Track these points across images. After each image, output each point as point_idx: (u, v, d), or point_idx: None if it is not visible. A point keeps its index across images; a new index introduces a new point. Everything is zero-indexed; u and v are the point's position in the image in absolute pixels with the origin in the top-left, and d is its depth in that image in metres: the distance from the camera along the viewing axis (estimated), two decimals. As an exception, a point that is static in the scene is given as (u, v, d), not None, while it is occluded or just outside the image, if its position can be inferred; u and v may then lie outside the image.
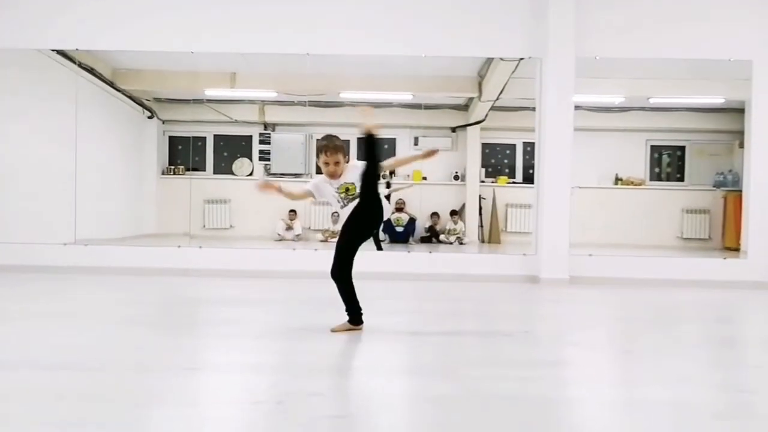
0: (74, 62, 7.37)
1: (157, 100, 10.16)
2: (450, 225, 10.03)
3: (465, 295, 5.87)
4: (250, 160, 10.40)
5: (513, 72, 7.89)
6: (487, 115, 9.91)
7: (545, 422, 2.39)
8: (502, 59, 7.51)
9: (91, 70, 8.01)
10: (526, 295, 5.99)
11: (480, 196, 10.25)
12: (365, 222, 3.86)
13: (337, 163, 3.80)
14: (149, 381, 2.82)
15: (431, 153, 4.11)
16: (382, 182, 4.11)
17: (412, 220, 9.77)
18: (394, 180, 9.96)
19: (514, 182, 10.50)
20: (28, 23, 6.87)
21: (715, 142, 10.00)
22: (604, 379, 3.14)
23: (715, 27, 6.82)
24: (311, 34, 6.89)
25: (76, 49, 7.14)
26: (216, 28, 6.90)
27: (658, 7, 6.85)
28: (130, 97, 9.50)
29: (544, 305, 5.56)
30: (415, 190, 9.83)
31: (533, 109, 7.07)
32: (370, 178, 3.76)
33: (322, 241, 9.56)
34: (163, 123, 10.23)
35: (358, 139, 3.78)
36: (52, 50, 7.16)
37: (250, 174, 10.32)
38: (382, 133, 10.40)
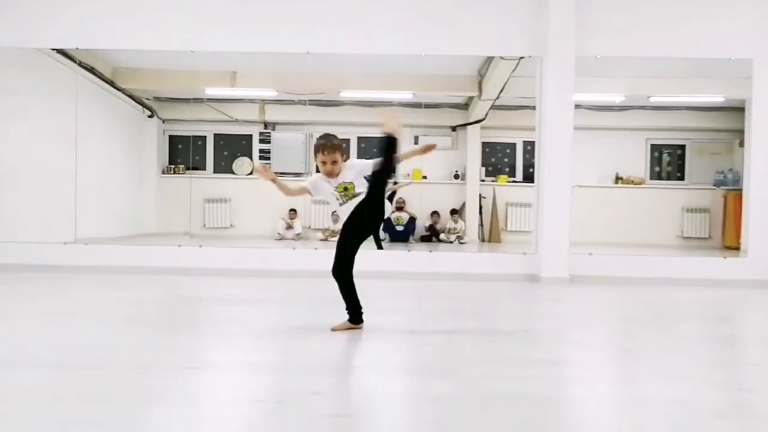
0: (74, 61, 7.37)
1: (157, 99, 10.16)
2: (450, 224, 10.03)
3: (465, 294, 5.87)
4: (251, 159, 10.40)
5: (513, 71, 7.89)
6: (487, 114, 9.91)
7: (545, 421, 2.39)
8: (502, 58, 7.51)
9: (91, 69, 8.01)
10: (526, 294, 5.99)
11: (480, 195, 10.26)
12: (366, 221, 3.87)
13: (334, 162, 3.80)
14: (149, 380, 2.82)
15: (429, 148, 4.11)
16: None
17: (412, 219, 9.77)
18: (394, 178, 9.97)
19: (514, 181, 10.51)
20: (28, 22, 6.87)
21: (716, 140, 10.00)
22: (604, 377, 3.14)
23: (716, 26, 6.82)
24: (311, 33, 6.89)
25: (76, 49, 7.14)
26: (216, 27, 6.90)
27: (659, 5, 6.85)
28: (131, 96, 9.49)
29: (544, 304, 5.56)
30: (415, 189, 9.83)
31: (533, 107, 7.07)
32: (381, 178, 3.79)
33: (322, 240, 9.57)
34: (164, 122, 10.22)
35: (380, 138, 3.80)
36: (53, 49, 7.16)
37: (251, 173, 10.31)
38: (381, 133, 10.45)
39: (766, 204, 6.77)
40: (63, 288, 5.77)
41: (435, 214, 10.03)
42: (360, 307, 3.92)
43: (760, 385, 3.00)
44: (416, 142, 9.95)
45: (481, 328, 4.40)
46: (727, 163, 9.76)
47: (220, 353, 3.47)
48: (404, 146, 3.92)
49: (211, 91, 9.66)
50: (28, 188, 7.42)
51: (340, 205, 3.86)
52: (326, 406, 2.51)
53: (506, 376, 2.98)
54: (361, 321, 3.93)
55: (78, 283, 6.05)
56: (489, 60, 8.22)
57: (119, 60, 8.49)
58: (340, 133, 3.97)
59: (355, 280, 3.89)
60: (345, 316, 3.93)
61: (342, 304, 3.93)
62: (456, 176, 10.31)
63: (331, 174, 3.82)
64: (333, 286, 3.92)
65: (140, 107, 9.90)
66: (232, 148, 10.50)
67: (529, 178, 8.96)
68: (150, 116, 10.08)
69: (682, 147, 10.30)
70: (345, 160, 3.87)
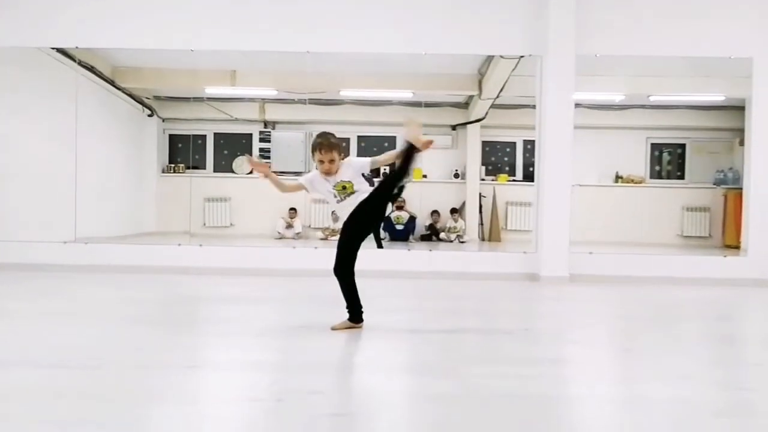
0: (74, 60, 7.37)
1: (157, 98, 10.15)
2: (450, 223, 10.03)
3: (465, 292, 5.87)
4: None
5: (513, 70, 7.88)
6: (487, 113, 9.91)
7: (545, 420, 2.39)
8: (502, 57, 7.50)
9: (91, 69, 8.00)
10: (526, 293, 5.99)
11: (480, 194, 10.26)
12: (367, 220, 3.87)
13: (332, 161, 3.79)
14: (149, 379, 2.82)
15: (425, 144, 4.10)
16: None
17: (412, 218, 9.77)
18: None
19: (514, 180, 10.51)
20: (28, 21, 6.86)
21: (716, 139, 10.00)
22: (604, 376, 3.14)
23: (716, 24, 6.82)
24: (311, 32, 6.89)
25: (76, 48, 7.14)
26: (216, 26, 6.89)
27: (659, 4, 6.84)
28: (130, 95, 9.49)
29: (544, 303, 5.56)
30: (415, 188, 9.83)
31: (533, 106, 7.07)
32: (392, 182, 3.84)
33: (322, 239, 9.56)
34: (163, 121, 10.22)
35: (403, 148, 3.83)
36: (52, 48, 7.15)
37: (251, 172, 10.30)
38: (381, 132, 10.47)
39: (766, 203, 6.77)
40: (63, 287, 5.77)
41: (435, 213, 10.03)
42: (360, 306, 3.92)
43: (760, 384, 3.00)
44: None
45: (481, 327, 4.40)
46: (727, 161, 9.76)
47: (220, 352, 3.47)
48: (400, 145, 3.93)
49: (211, 90, 9.65)
50: (28, 187, 7.42)
51: (338, 202, 3.86)
52: (326, 405, 2.51)
53: (506, 375, 2.98)
54: (361, 320, 3.93)
55: (78, 282, 6.05)
56: (489, 59, 8.21)
57: (119, 59, 8.49)
58: (340, 132, 3.97)
59: (356, 279, 3.89)
60: (345, 315, 3.93)
61: (342, 303, 3.93)
62: (456, 175, 10.31)
63: (328, 172, 3.82)
64: (333, 285, 3.92)
65: (140, 106, 9.90)
66: (232, 147, 10.49)
67: (529, 177, 8.96)
68: (150, 115, 10.08)
69: (682, 146, 10.30)
70: (343, 159, 3.86)
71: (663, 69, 7.79)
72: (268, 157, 10.22)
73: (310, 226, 10.04)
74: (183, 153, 10.27)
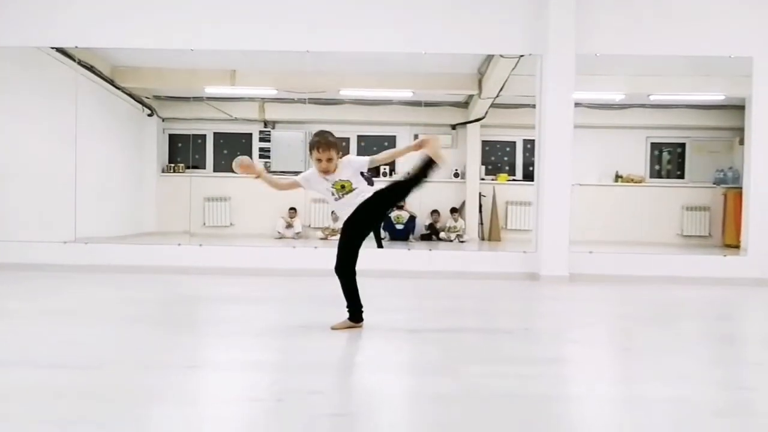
0: (74, 60, 7.37)
1: (157, 97, 10.15)
2: (450, 222, 10.03)
3: (465, 292, 5.87)
4: (251, 158, 10.37)
5: (513, 69, 7.88)
6: (487, 113, 9.91)
7: (545, 420, 2.39)
8: (502, 56, 7.50)
9: (90, 68, 8.00)
10: (526, 293, 5.99)
11: (480, 193, 10.25)
12: (368, 220, 3.87)
13: (329, 160, 3.77)
14: (149, 379, 2.82)
15: (423, 143, 4.09)
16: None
17: (412, 218, 9.77)
18: (394, 177, 9.97)
19: (514, 179, 10.50)
20: (27, 21, 6.86)
21: (716, 139, 9.99)
22: (604, 376, 3.14)
23: (715, 24, 6.82)
24: (311, 32, 6.89)
25: (76, 47, 7.14)
26: (215, 26, 6.89)
27: (659, 3, 6.84)
28: (130, 95, 9.49)
29: (544, 302, 5.56)
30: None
31: (533, 106, 7.07)
32: (401, 190, 3.92)
33: (322, 239, 9.56)
34: (163, 121, 10.22)
35: (422, 161, 3.88)
36: (52, 48, 7.15)
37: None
38: (381, 131, 10.47)
39: (766, 202, 6.77)
40: (63, 287, 5.77)
41: (435, 212, 10.03)
42: (360, 306, 3.92)
43: (760, 383, 3.00)
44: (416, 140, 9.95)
45: (481, 326, 4.40)
46: (727, 161, 9.76)
47: (219, 352, 3.47)
48: (400, 144, 3.94)
49: (211, 90, 9.65)
50: (27, 187, 7.41)
51: (336, 200, 3.85)
52: (326, 405, 2.51)
53: (506, 374, 2.98)
54: (361, 319, 3.93)
55: (78, 282, 6.05)
56: (489, 58, 8.21)
57: (119, 59, 8.49)
58: (340, 131, 3.96)
59: (356, 279, 3.89)
60: (345, 314, 3.93)
61: (342, 303, 3.93)
62: (456, 175, 10.31)
63: (326, 171, 3.80)
64: (333, 285, 3.92)
65: (140, 106, 9.89)
66: (232, 147, 10.49)
67: (529, 176, 8.96)
68: (150, 115, 10.07)
69: (682, 145, 10.30)
70: (341, 157, 3.86)
71: (663, 68, 7.79)
72: (268, 157, 10.22)
73: (310, 225, 10.04)
74: (183, 153, 10.27)
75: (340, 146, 3.87)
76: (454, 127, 10.39)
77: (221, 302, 5.17)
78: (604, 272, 6.75)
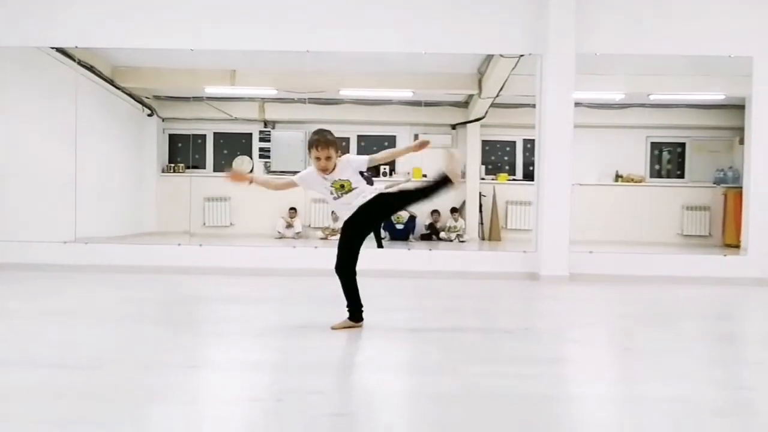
0: (74, 60, 7.36)
1: (157, 97, 10.15)
2: (450, 222, 10.03)
3: (465, 292, 5.87)
4: (251, 157, 10.40)
5: (513, 69, 7.88)
6: (487, 112, 9.91)
7: (545, 419, 2.39)
8: (502, 56, 7.50)
9: (90, 68, 8.00)
10: (526, 292, 5.99)
11: (480, 193, 10.26)
12: (368, 220, 3.88)
13: (328, 158, 3.76)
14: (149, 379, 2.82)
15: (422, 145, 4.09)
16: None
17: (412, 218, 9.77)
18: (394, 177, 9.98)
19: (514, 179, 10.51)
20: (27, 21, 6.86)
21: (716, 138, 9.99)
22: (604, 376, 3.14)
23: (716, 23, 6.82)
24: (311, 32, 6.89)
25: (76, 47, 7.14)
26: (215, 26, 6.89)
27: (659, 3, 6.84)
28: (130, 95, 9.49)
29: (544, 302, 5.56)
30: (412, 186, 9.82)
31: (533, 106, 7.07)
32: (408, 199, 3.98)
33: (322, 238, 9.57)
34: (163, 121, 10.22)
35: (438, 177, 3.98)
36: (52, 48, 7.15)
37: (251, 172, 10.32)
38: (381, 131, 10.47)
39: (766, 202, 6.77)
40: (63, 287, 5.77)
41: (435, 212, 10.03)
42: (360, 305, 3.92)
43: (760, 383, 3.00)
44: (416, 140, 9.95)
45: (481, 326, 4.40)
46: (727, 160, 9.76)
47: (219, 352, 3.47)
48: (400, 144, 3.96)
49: (211, 90, 9.65)
50: (27, 187, 7.42)
51: (334, 200, 3.85)
52: (326, 405, 2.51)
53: (506, 374, 2.98)
54: (361, 319, 3.93)
55: (78, 282, 6.05)
56: (489, 58, 8.21)
57: (118, 59, 8.49)
58: (340, 131, 3.96)
59: (356, 278, 3.89)
60: (345, 314, 3.93)
61: (342, 303, 3.93)
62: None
63: (325, 170, 3.80)
64: (333, 284, 3.92)
65: (140, 106, 9.90)
66: (232, 147, 10.50)
67: (529, 176, 8.95)
68: (150, 115, 10.08)
69: (682, 145, 10.30)
70: (340, 156, 3.85)
71: (663, 68, 7.79)
72: (268, 157, 10.23)
73: (310, 225, 10.05)
74: (183, 153, 10.27)
75: (339, 145, 3.86)
76: (454, 126, 10.39)
77: (221, 302, 5.17)
78: (604, 272, 6.75)
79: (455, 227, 9.95)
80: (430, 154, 4.33)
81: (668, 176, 10.35)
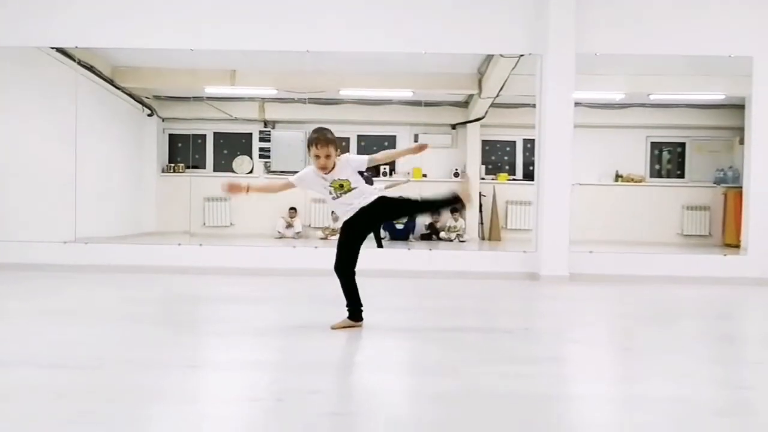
0: (74, 60, 7.36)
1: (157, 97, 10.15)
2: (450, 222, 10.03)
3: (465, 292, 5.87)
4: (251, 157, 10.40)
5: (513, 69, 7.88)
6: (487, 112, 9.91)
7: (545, 419, 2.39)
8: (502, 56, 7.50)
9: (90, 68, 8.00)
10: (526, 292, 5.99)
11: (480, 193, 10.25)
12: (368, 221, 3.88)
13: (328, 156, 3.75)
14: (149, 379, 2.82)
15: (422, 147, 4.09)
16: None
17: (412, 218, 9.76)
18: (394, 177, 9.98)
19: (514, 179, 10.51)
20: (27, 21, 6.86)
21: (716, 138, 9.99)
22: (604, 376, 3.14)
23: (716, 23, 6.82)
24: (311, 32, 6.89)
25: (76, 47, 7.14)
26: (215, 26, 6.89)
27: (659, 3, 6.84)
28: (130, 95, 9.49)
29: (544, 302, 5.56)
30: (414, 187, 9.82)
31: (533, 105, 7.06)
32: (412, 208, 4.08)
33: (322, 238, 9.57)
34: (163, 121, 10.22)
35: (449, 195, 3.99)
36: (52, 48, 7.15)
37: (251, 171, 10.32)
38: (381, 131, 10.47)
39: (766, 202, 6.77)
40: (63, 287, 5.77)
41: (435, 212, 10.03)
42: (360, 305, 3.93)
43: (760, 382, 3.00)
44: (416, 141, 9.96)
45: (481, 326, 4.40)
46: (727, 160, 9.76)
47: (219, 352, 3.47)
48: (400, 144, 3.96)
49: (211, 90, 9.65)
50: (27, 187, 7.42)
51: (333, 199, 3.85)
52: (326, 405, 2.51)
53: (506, 374, 2.98)
54: (361, 318, 3.93)
55: (78, 282, 6.05)
56: (489, 58, 8.21)
57: (118, 58, 8.49)
58: (340, 131, 3.96)
59: (356, 278, 3.89)
60: (345, 314, 3.93)
61: (342, 302, 3.93)
62: (456, 174, 10.30)
63: (324, 168, 3.79)
64: (333, 284, 3.92)
65: (140, 106, 9.90)
66: (232, 147, 10.50)
67: (529, 176, 8.95)
68: (150, 115, 10.08)
69: (682, 144, 10.30)
70: (339, 155, 3.85)
71: (663, 67, 7.79)
72: (268, 157, 10.23)
73: (310, 225, 10.05)
74: (183, 152, 10.27)
75: (339, 144, 3.86)
76: (454, 126, 10.39)
77: (221, 302, 5.17)
78: (604, 272, 6.75)
79: (455, 227, 9.95)
80: (432, 154, 4.34)
81: (668, 176, 10.35)
